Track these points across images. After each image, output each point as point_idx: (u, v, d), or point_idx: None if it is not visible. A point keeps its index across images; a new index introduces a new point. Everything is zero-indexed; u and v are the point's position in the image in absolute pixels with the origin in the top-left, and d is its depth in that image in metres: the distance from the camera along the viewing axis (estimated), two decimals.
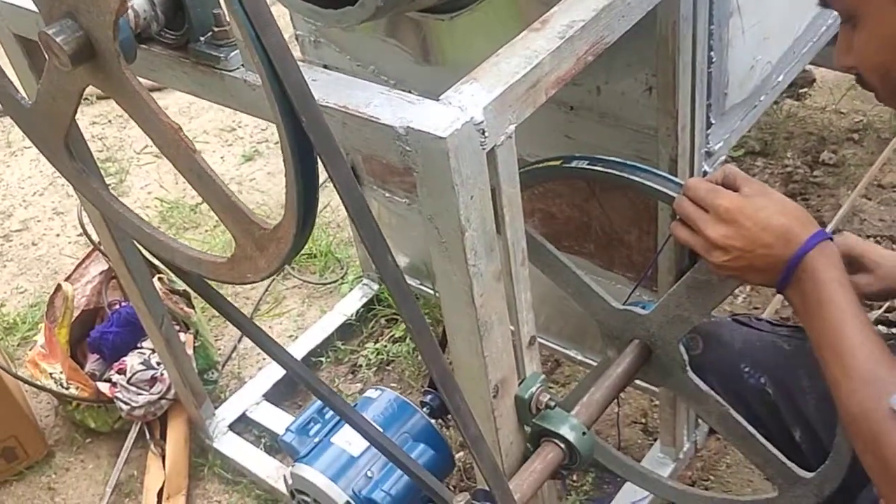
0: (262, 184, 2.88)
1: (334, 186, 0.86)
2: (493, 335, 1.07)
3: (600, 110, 1.46)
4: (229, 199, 1.05)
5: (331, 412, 1.74)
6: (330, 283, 2.42)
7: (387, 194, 2.04)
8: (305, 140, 0.85)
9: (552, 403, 1.18)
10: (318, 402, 1.77)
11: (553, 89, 1.02)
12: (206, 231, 2.68)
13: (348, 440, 1.66)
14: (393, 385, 2.10)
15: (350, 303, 2.27)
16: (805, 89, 2.76)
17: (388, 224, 2.11)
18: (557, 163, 1.20)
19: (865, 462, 0.96)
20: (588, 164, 1.16)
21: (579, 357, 1.93)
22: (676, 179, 1.11)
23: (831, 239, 1.03)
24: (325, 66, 1.84)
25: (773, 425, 1.31)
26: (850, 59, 0.99)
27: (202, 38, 1.07)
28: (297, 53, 1.87)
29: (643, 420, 1.94)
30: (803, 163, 2.54)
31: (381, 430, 1.65)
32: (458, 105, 0.92)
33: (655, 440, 1.84)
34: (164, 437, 2.01)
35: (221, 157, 3.03)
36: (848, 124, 2.66)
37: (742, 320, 1.47)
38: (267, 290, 2.43)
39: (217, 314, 2.38)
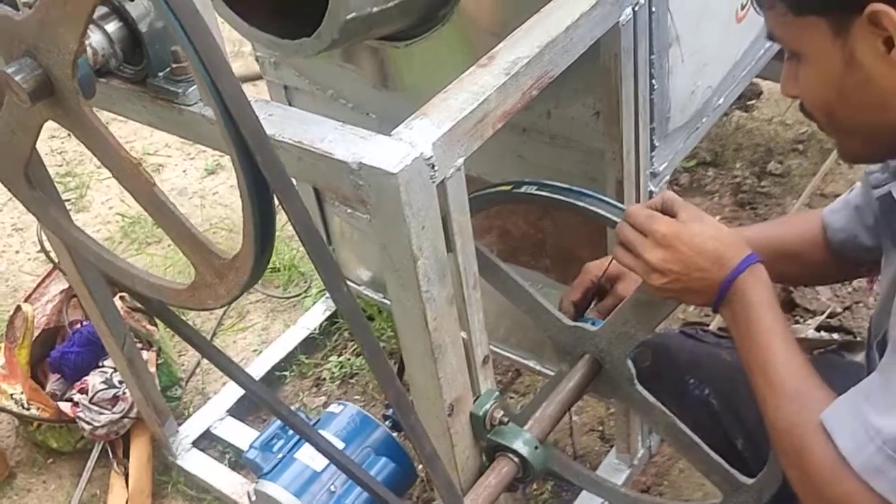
0: (226, 197, 2.90)
1: (290, 221, 0.91)
2: (447, 356, 1.12)
3: (551, 133, 1.51)
4: (188, 230, 1.08)
5: (285, 439, 1.77)
6: (293, 297, 2.45)
7: (349, 210, 2.07)
8: (261, 178, 0.89)
9: (506, 419, 1.23)
10: (276, 424, 1.81)
11: (500, 123, 1.07)
12: (169, 246, 2.69)
13: (311, 456, 1.70)
14: (356, 398, 2.14)
15: (313, 317, 2.31)
16: (753, 101, 2.84)
17: (351, 239, 2.14)
18: (507, 188, 1.25)
19: (790, 475, 1.02)
20: (536, 190, 1.21)
21: (538, 367, 1.98)
22: (620, 205, 1.16)
23: (761, 262, 1.09)
24: (286, 87, 1.88)
25: (717, 434, 1.37)
26: (795, 90, 1.02)
27: (160, 74, 1.10)
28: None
29: (600, 428, 1.99)
30: (751, 173, 2.62)
31: (342, 445, 1.71)
32: (408, 141, 0.97)
33: (612, 447, 1.89)
34: (126, 455, 2.03)
35: (184, 171, 3.04)
36: (793, 135, 2.75)
37: (689, 332, 1.53)
38: (230, 304, 2.45)
39: None
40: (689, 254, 1.07)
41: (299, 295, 2.45)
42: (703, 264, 1.08)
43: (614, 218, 1.15)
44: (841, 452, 0.94)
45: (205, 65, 0.81)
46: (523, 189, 1.22)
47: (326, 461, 1.70)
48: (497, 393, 1.23)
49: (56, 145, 3.20)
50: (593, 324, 1.34)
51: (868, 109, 0.96)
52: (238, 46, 3.38)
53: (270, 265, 2.50)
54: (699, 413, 1.39)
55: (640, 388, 1.34)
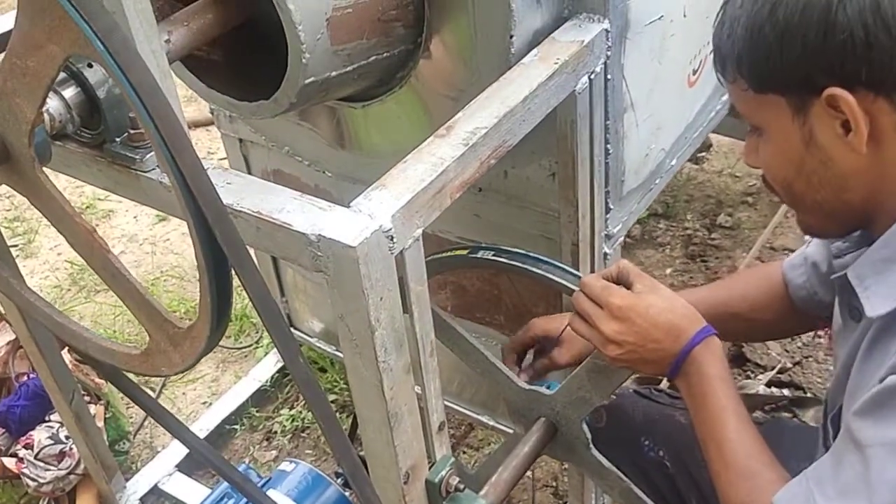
0: (176, 245, 2.87)
1: (248, 295, 0.90)
2: (404, 425, 1.11)
3: (507, 193, 1.53)
4: (143, 297, 1.07)
5: (236, 498, 1.74)
6: (245, 348, 2.43)
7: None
8: (219, 251, 0.88)
9: (461, 486, 1.22)
10: (223, 485, 1.78)
11: (458, 193, 1.07)
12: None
13: None
14: (308, 452, 2.12)
15: (265, 368, 2.28)
16: (703, 154, 2.91)
17: (304, 290, 2.13)
18: (464, 252, 1.25)
19: None
20: (493, 255, 1.22)
21: (491, 423, 1.97)
22: (576, 272, 1.17)
23: (716, 334, 1.10)
24: (241, 140, 1.87)
25: (671, 496, 1.39)
26: (756, 162, 1.04)
27: (118, 139, 1.09)
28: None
29: (554, 483, 1.99)
30: (702, 225, 2.67)
31: None
32: (367, 213, 0.97)
33: (566, 503, 1.89)
34: None
35: (134, 217, 3.01)
36: (743, 187, 2.81)
37: (643, 392, 1.55)
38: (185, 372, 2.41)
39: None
40: (644, 326, 1.09)
41: (250, 345, 2.42)
42: (658, 336, 1.09)
43: (570, 286, 1.16)
44: None
45: (165, 142, 0.81)
46: (480, 254, 1.23)
47: None
48: (452, 459, 1.23)
49: (4, 190, 3.12)
50: (549, 387, 1.34)
51: (827, 188, 0.97)
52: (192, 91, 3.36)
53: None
54: (654, 474, 1.41)
55: (595, 452, 1.35)
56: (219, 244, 0.87)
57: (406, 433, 1.12)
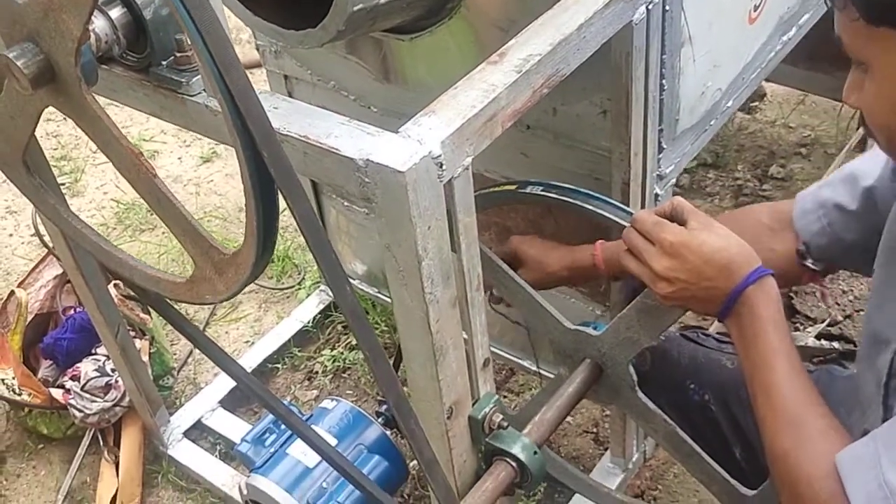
0: (220, 186, 2.87)
1: (294, 220, 0.89)
2: (448, 359, 1.10)
3: (556, 131, 1.49)
4: (189, 223, 1.06)
5: (277, 433, 1.75)
6: (287, 289, 2.43)
7: (345, 203, 2.05)
8: (266, 174, 0.87)
9: (505, 424, 1.21)
10: (268, 418, 1.79)
11: (509, 122, 1.04)
12: (163, 233, 2.67)
13: (304, 451, 1.68)
14: (349, 392, 2.12)
15: (307, 309, 2.29)
16: (756, 103, 2.83)
17: (347, 232, 2.12)
18: (513, 188, 1.23)
19: (783, 499, 1.00)
20: (542, 191, 1.19)
21: (533, 368, 1.96)
22: (627, 209, 1.14)
23: (772, 275, 1.07)
24: (286, 77, 1.85)
25: (715, 441, 1.36)
26: (856, 101, 0.96)
27: (164, 63, 1.08)
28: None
29: (594, 430, 1.98)
30: (753, 176, 2.60)
31: (334, 442, 1.69)
32: (416, 138, 0.95)
33: (606, 450, 1.88)
34: (117, 444, 2.01)
35: (179, 158, 3.01)
36: (796, 139, 2.73)
37: (690, 336, 1.52)
38: (229, 300, 2.42)
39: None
40: (696, 263, 1.06)
41: (293, 287, 2.42)
42: (711, 274, 1.06)
43: (622, 222, 1.13)
44: (849, 499, 0.91)
45: (213, 57, 0.79)
46: (528, 189, 1.20)
47: (319, 457, 1.68)
48: (496, 397, 1.22)
49: (52, 128, 3.16)
50: (595, 328, 1.32)
51: None
52: (236, 33, 3.35)
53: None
54: (697, 418, 1.38)
55: (640, 395, 1.32)
56: (266, 166, 0.86)
57: (451, 368, 1.11)
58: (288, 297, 2.42)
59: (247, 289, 2.46)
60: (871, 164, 1.20)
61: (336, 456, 1.17)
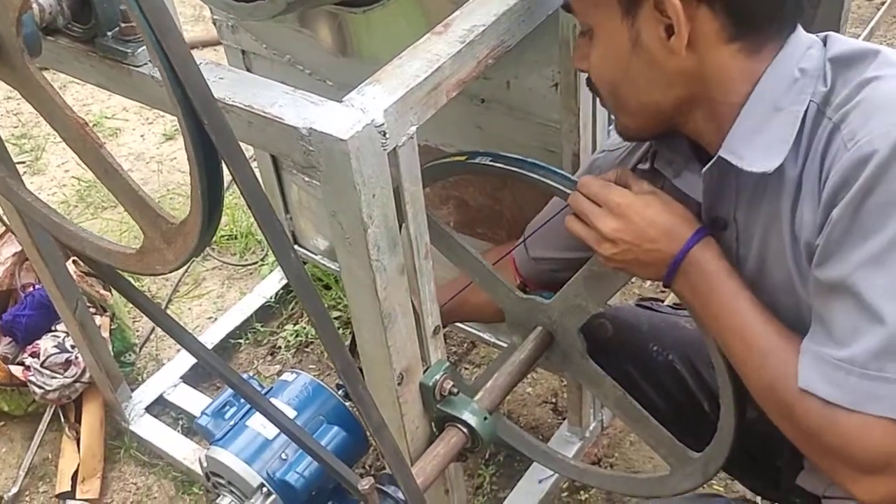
0: (183, 163, 2.85)
1: (238, 188, 0.90)
2: (397, 326, 1.12)
3: (509, 104, 1.51)
4: (136, 193, 1.07)
5: (238, 405, 1.76)
6: (250, 265, 2.44)
7: (306, 179, 2.05)
8: (208, 141, 0.87)
9: (455, 390, 1.23)
10: (227, 392, 1.80)
11: (454, 91, 1.06)
12: (125, 211, 2.65)
13: (263, 423, 1.69)
14: (311, 367, 2.14)
15: (269, 284, 2.29)
16: None
17: (308, 207, 2.13)
18: (462, 158, 1.24)
19: (784, 430, 1.02)
20: (490, 161, 1.20)
21: (493, 339, 1.99)
22: (573, 177, 1.16)
23: (711, 234, 1.09)
24: (244, 52, 1.85)
25: (684, 398, 1.40)
26: (584, 65, 1.08)
27: (109, 34, 1.07)
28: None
29: (553, 400, 2.01)
30: None
31: (293, 414, 1.71)
32: (360, 107, 0.96)
33: (564, 419, 1.91)
34: (79, 420, 2.01)
35: (142, 136, 3.00)
36: None
37: (646, 305, 1.55)
38: (186, 271, 2.43)
39: None
40: (641, 225, 1.08)
41: (255, 263, 2.43)
42: (655, 236, 1.08)
43: (567, 190, 1.15)
44: (826, 399, 0.94)
45: (150, 23, 0.80)
46: (477, 160, 1.22)
47: (278, 429, 1.70)
48: (447, 364, 1.24)
49: (12, 106, 3.13)
50: (545, 297, 1.34)
51: (654, 89, 1.03)
52: (199, 10, 3.33)
53: (227, 232, 2.51)
54: (664, 377, 1.42)
55: (590, 361, 1.35)
56: (207, 134, 0.86)
57: (400, 334, 1.13)
58: (251, 273, 2.42)
59: (209, 266, 2.47)
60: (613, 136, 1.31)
61: (292, 426, 1.18)
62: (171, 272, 1.16)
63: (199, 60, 1.07)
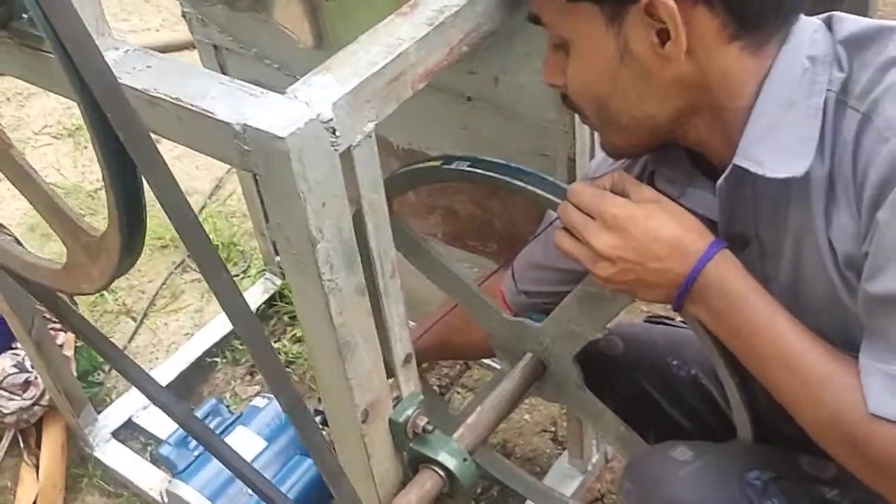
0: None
1: (155, 196, 0.75)
2: (359, 356, 0.96)
3: (498, 102, 1.36)
4: (52, 200, 0.93)
5: (214, 422, 1.62)
6: (235, 276, 2.29)
7: None
8: (116, 139, 0.73)
9: (430, 427, 1.07)
10: (205, 407, 1.66)
11: (421, 82, 0.90)
12: (105, 218, 2.50)
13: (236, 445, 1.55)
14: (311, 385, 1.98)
15: (251, 298, 2.14)
16: None
17: None
18: (436, 164, 1.09)
19: (852, 467, 0.87)
20: (469, 167, 1.05)
21: (487, 361, 1.84)
22: (564, 185, 1.00)
23: (728, 247, 0.94)
24: (215, 47, 1.71)
25: (711, 417, 1.26)
26: (559, 80, 0.96)
27: (25, 16, 0.93)
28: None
29: (552, 429, 1.84)
30: None
31: (263, 444, 1.56)
32: (304, 100, 0.81)
33: (564, 450, 1.75)
34: (39, 445, 1.86)
35: None
36: None
37: (656, 321, 1.40)
38: (164, 283, 2.28)
39: (109, 310, 2.24)
40: (643, 240, 0.92)
41: (237, 275, 2.27)
42: (661, 253, 0.92)
43: (557, 200, 0.99)
44: None
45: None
46: (454, 165, 1.06)
47: (250, 456, 1.55)
48: (421, 397, 1.08)
49: None
50: (536, 319, 1.19)
51: (648, 102, 0.91)
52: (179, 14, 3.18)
53: (214, 242, 2.35)
54: (688, 394, 1.27)
55: (587, 392, 1.20)
56: (113, 129, 0.72)
57: (362, 365, 0.97)
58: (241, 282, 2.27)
59: (189, 278, 2.32)
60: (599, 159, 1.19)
61: (250, 473, 1.04)
62: (98, 292, 1.02)
63: (128, 48, 0.93)
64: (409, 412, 1.06)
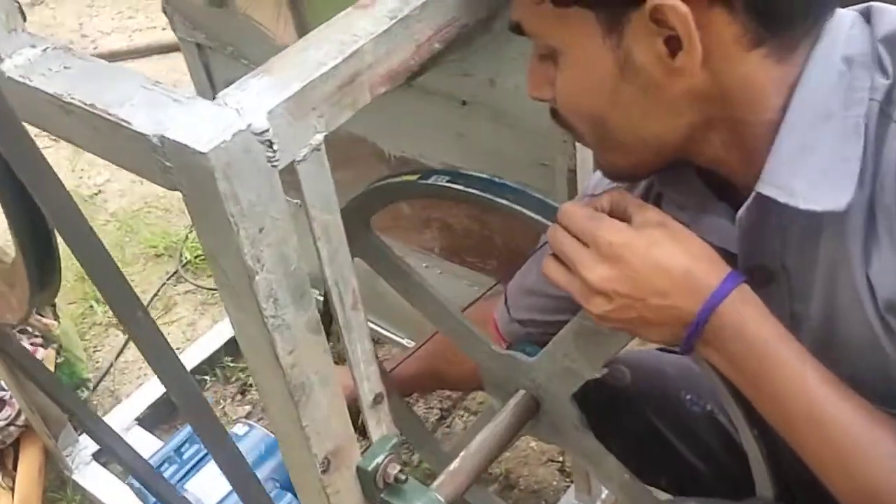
0: None
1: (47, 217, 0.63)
2: (315, 399, 0.84)
3: (495, 107, 1.23)
4: None
5: (190, 451, 1.50)
6: None
7: None
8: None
9: (403, 476, 0.94)
10: (181, 435, 1.55)
11: (383, 86, 0.78)
12: (100, 225, 2.42)
13: (204, 487, 1.44)
14: None
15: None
16: None
17: None
18: (413, 178, 0.96)
19: None
20: (448, 182, 0.92)
21: None
22: (555, 204, 0.87)
23: (747, 281, 0.80)
24: (199, 46, 1.60)
25: (726, 454, 1.12)
26: (546, 93, 0.84)
27: None
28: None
29: (560, 458, 1.71)
30: None
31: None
32: (235, 107, 0.68)
33: (572, 482, 1.61)
34: (16, 467, 1.76)
35: None
36: None
37: (669, 350, 1.26)
38: (157, 294, 2.17)
39: (98, 321, 2.14)
40: (644, 271, 0.78)
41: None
42: (665, 287, 0.78)
43: (546, 222, 0.86)
44: None
45: None
46: (431, 180, 0.94)
47: (222, 494, 1.44)
48: (394, 440, 0.95)
49: None
50: (529, 352, 1.06)
51: (654, 121, 0.78)
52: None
53: (202, 252, 2.24)
54: (703, 432, 1.14)
55: (588, 434, 1.06)
56: None
57: (319, 409, 0.85)
58: None
59: (182, 290, 2.22)
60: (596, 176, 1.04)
61: None
62: (21, 323, 0.91)
63: (48, 45, 0.81)
64: (380, 459, 0.93)
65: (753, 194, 0.76)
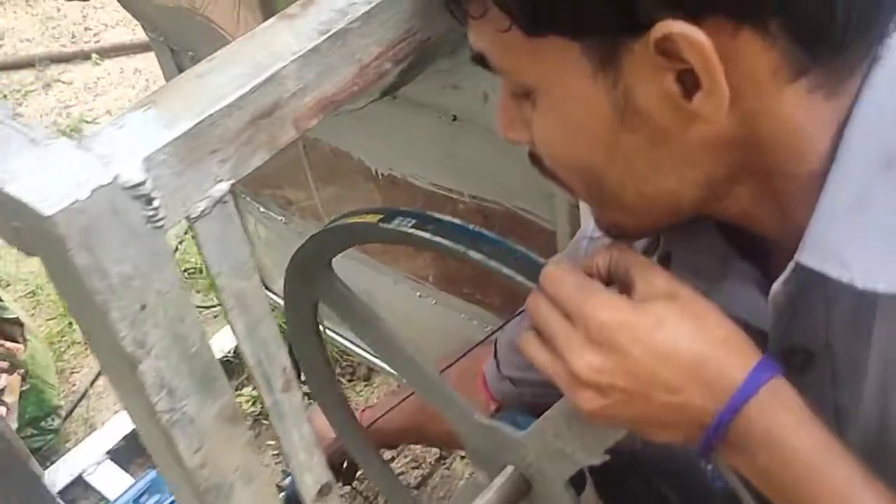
0: None
1: None
2: (236, 500, 0.68)
3: (489, 125, 1.06)
4: None
5: (151, 501, 1.36)
6: (215, 307, 2.02)
7: (261, 209, 1.64)
8: None
9: None
10: (141, 483, 1.40)
11: (314, 118, 0.61)
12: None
13: None
14: (269, 444, 1.71)
15: (230, 335, 1.87)
16: None
17: (266, 241, 1.71)
18: (374, 220, 0.79)
19: None
20: (413, 227, 0.75)
21: None
22: (540, 261, 0.70)
23: (782, 373, 0.62)
24: (172, 50, 1.45)
25: None
26: (522, 136, 0.67)
27: None
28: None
29: None
30: None
31: None
32: (101, 152, 0.52)
33: None
34: None
35: None
36: None
37: None
38: None
39: (77, 340, 2.00)
40: (647, 362, 0.60)
41: (211, 307, 2.01)
42: (674, 381, 0.60)
43: (529, 283, 0.69)
44: None
45: None
46: (394, 224, 0.76)
47: None
48: None
49: None
50: (519, 423, 0.88)
51: (664, 174, 0.61)
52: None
53: (192, 265, 2.09)
54: None
55: None
56: None
57: None
58: (216, 317, 2.01)
59: None
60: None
61: None
62: None
63: None
64: None
65: (792, 265, 0.59)
